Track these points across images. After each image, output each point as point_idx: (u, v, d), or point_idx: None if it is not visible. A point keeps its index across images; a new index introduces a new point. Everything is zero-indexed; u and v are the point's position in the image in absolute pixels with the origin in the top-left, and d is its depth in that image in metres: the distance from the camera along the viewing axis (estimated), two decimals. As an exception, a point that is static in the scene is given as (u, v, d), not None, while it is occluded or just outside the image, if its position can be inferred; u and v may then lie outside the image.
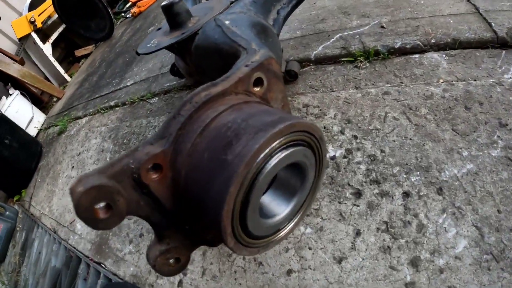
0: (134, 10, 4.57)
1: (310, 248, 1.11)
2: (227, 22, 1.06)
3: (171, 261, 0.71)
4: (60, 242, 2.05)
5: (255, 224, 0.53)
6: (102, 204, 0.52)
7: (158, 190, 0.58)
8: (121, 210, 0.55)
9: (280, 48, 1.30)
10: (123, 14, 5.18)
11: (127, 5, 5.22)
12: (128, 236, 1.63)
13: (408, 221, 1.03)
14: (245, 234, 0.53)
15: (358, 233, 1.07)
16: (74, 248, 1.89)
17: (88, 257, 1.74)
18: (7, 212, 2.83)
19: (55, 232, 2.17)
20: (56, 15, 4.47)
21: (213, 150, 0.49)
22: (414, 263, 0.96)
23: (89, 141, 2.63)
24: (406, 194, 1.08)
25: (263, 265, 1.15)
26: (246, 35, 0.90)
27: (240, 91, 0.65)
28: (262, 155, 0.46)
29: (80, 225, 1.99)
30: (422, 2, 1.64)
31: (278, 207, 0.62)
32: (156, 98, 2.36)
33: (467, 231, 0.96)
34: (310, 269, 1.07)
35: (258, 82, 0.69)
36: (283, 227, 0.64)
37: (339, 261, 1.05)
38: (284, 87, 0.76)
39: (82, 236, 1.91)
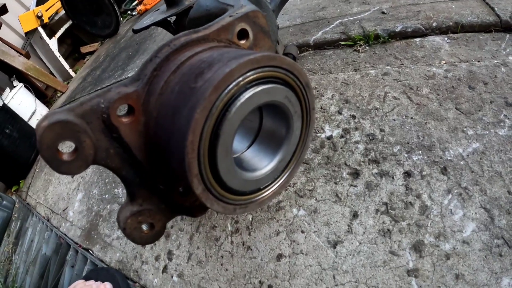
0: (140, 7, 4.58)
1: (302, 232, 1.05)
2: (220, -8, 1.01)
3: (143, 226, 0.66)
4: (52, 230, 2.01)
5: (228, 172, 0.48)
6: (68, 147, 0.48)
7: (129, 135, 0.53)
8: (86, 154, 0.50)
9: (276, 24, 1.26)
10: (129, 12, 5.20)
11: (134, 3, 5.25)
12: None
13: (410, 202, 0.97)
14: (217, 182, 0.47)
15: (355, 215, 1.01)
16: (65, 235, 1.85)
17: (77, 244, 1.70)
18: (4, 202, 2.80)
19: (48, 220, 2.13)
20: (63, 11, 4.50)
21: (185, 82, 0.45)
22: (417, 248, 0.90)
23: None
24: (407, 174, 1.02)
25: (251, 249, 1.09)
26: (237, -1, 0.86)
27: (223, 40, 0.60)
28: (234, 83, 0.41)
29: (72, 212, 1.95)
30: (423, -11, 1.61)
31: (260, 162, 0.57)
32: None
33: (475, 213, 0.89)
34: (302, 254, 1.01)
35: (243, 35, 0.65)
36: (266, 187, 0.58)
37: (334, 245, 0.98)
38: (272, 45, 0.71)
39: (73, 223, 1.86)
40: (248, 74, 0.42)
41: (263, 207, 1.15)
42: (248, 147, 0.59)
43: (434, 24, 1.38)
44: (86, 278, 1.33)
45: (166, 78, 0.49)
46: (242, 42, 0.63)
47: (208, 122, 0.40)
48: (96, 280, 1.27)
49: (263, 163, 0.56)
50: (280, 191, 0.62)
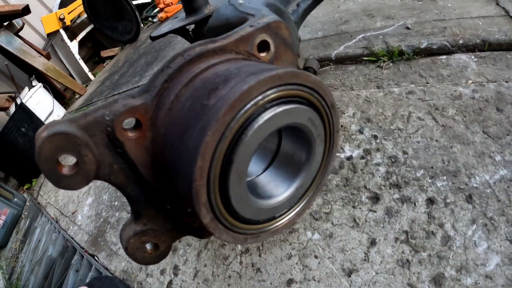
0: (161, 15, 4.62)
1: (316, 257, 0.98)
2: (240, 1, 0.98)
3: (147, 246, 0.61)
4: (60, 232, 2.00)
5: (241, 200, 0.42)
6: (69, 160, 0.44)
7: (135, 151, 0.49)
8: (88, 169, 0.46)
9: (297, 37, 1.21)
10: (150, 19, 5.26)
11: (155, 10, 5.31)
12: (125, 230, 1.54)
13: (432, 231, 0.90)
14: (228, 211, 0.42)
15: (373, 243, 0.94)
16: (72, 238, 1.83)
17: (83, 249, 1.67)
18: (15, 199, 2.82)
19: (57, 222, 2.12)
20: (85, 15, 4.59)
21: (196, 97, 0.40)
22: (437, 281, 0.83)
23: (102, 135, 2.61)
24: (430, 201, 0.95)
25: (261, 271, 1.03)
26: (257, 7, 0.82)
27: (242, 52, 0.56)
28: (252, 102, 0.36)
29: (80, 216, 1.93)
30: (449, 5, 1.57)
31: (276, 188, 0.51)
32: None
33: (500, 245, 0.82)
34: (314, 280, 0.94)
35: (264, 46, 0.60)
36: (281, 215, 0.53)
37: (349, 273, 0.91)
38: (295, 58, 0.66)
39: (81, 227, 1.84)
40: (269, 92, 0.37)
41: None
42: (264, 171, 0.54)
43: (460, 42, 1.32)
44: (90, 286, 1.29)
45: (177, 91, 0.45)
46: (263, 54, 0.58)
47: (220, 146, 0.35)
48: (98, 290, 1.24)
49: (279, 190, 0.51)
50: (296, 220, 0.56)
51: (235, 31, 0.55)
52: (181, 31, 1.25)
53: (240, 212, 0.43)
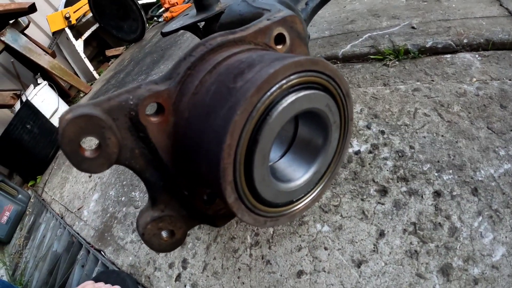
0: (167, 15, 4.64)
1: (326, 248, 0.99)
2: (253, -3, 0.99)
3: (163, 233, 0.62)
4: (65, 228, 2.01)
5: (263, 181, 0.44)
6: (90, 143, 0.45)
7: (157, 136, 0.50)
8: (110, 152, 0.47)
9: (307, 34, 1.23)
10: (155, 18, 5.29)
11: (160, 10, 5.34)
12: (132, 225, 1.55)
13: (439, 223, 0.91)
14: (250, 192, 0.44)
15: (381, 234, 0.95)
16: (78, 234, 1.84)
17: (89, 244, 1.68)
18: (20, 196, 2.83)
19: (62, 218, 2.13)
20: (90, 14, 4.61)
21: (222, 81, 0.41)
22: (445, 271, 0.84)
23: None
24: (437, 194, 0.97)
25: (271, 263, 1.04)
26: (271, 3, 0.84)
27: (260, 43, 0.57)
28: (277, 85, 0.38)
29: (86, 212, 1.94)
30: (454, 5, 1.59)
31: (294, 172, 0.53)
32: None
33: (506, 237, 0.84)
34: (324, 271, 0.95)
35: (280, 39, 0.62)
36: (298, 200, 0.54)
37: (358, 264, 0.93)
38: (308, 52, 0.68)
39: (87, 222, 1.85)
40: (292, 77, 0.39)
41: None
42: (282, 156, 0.55)
43: (465, 41, 1.35)
44: (96, 280, 1.30)
45: (201, 77, 0.46)
46: (279, 47, 0.60)
47: (247, 126, 0.36)
48: (106, 283, 1.24)
49: (297, 174, 0.52)
50: (312, 205, 0.58)
51: (253, 24, 0.57)
52: (192, 28, 1.27)
53: (262, 194, 0.45)
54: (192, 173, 0.51)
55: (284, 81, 0.38)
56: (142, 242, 1.40)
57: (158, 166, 0.54)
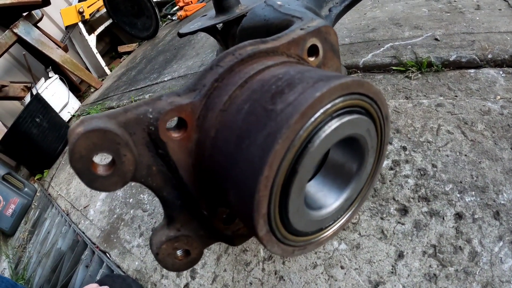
0: (181, 13, 4.64)
1: (342, 267, 0.95)
2: (278, 3, 0.95)
3: (178, 252, 0.58)
4: (70, 225, 1.99)
5: (297, 211, 0.40)
6: (104, 158, 0.41)
7: (177, 153, 0.46)
8: (125, 170, 0.43)
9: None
10: (169, 17, 5.28)
11: (174, 8, 5.33)
12: (139, 229, 1.52)
13: (460, 246, 0.87)
14: (282, 223, 0.39)
15: (400, 256, 0.91)
16: (83, 233, 1.81)
17: (95, 244, 1.65)
18: (26, 189, 2.82)
19: (67, 215, 2.11)
20: (104, 10, 4.61)
21: (257, 100, 0.37)
22: (464, 296, 0.80)
23: (118, 131, 2.61)
24: (458, 216, 0.92)
25: (284, 280, 1.00)
26: (301, 10, 0.79)
27: (293, 55, 0.53)
28: (322, 110, 0.33)
29: (93, 211, 1.91)
30: (478, 18, 1.53)
31: (325, 198, 0.49)
32: (191, 94, 2.29)
33: (526, 263, 0.79)
34: (338, 292, 0.91)
35: (313, 51, 0.57)
36: (328, 227, 0.50)
37: (375, 286, 0.89)
38: (341, 65, 0.64)
39: (93, 222, 1.83)
40: (337, 101, 0.35)
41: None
42: (311, 178, 0.51)
43: (489, 56, 1.29)
44: (101, 283, 1.27)
45: (231, 92, 0.42)
46: (311, 59, 0.56)
47: (287, 155, 0.32)
48: (111, 287, 1.21)
49: (329, 200, 0.48)
50: (339, 231, 0.53)
51: (286, 33, 0.53)
52: (210, 30, 1.23)
53: (294, 224, 0.41)
54: (216, 196, 0.47)
55: (329, 105, 0.34)
56: (150, 248, 1.37)
57: (177, 185, 0.50)
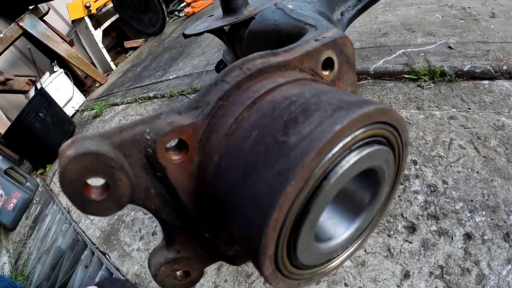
0: (188, 10, 4.60)
1: (346, 285, 0.92)
2: (290, 6, 0.91)
3: (178, 273, 0.55)
4: (71, 223, 1.97)
5: (306, 249, 0.36)
6: (98, 180, 0.38)
7: (177, 177, 0.43)
8: (121, 194, 0.39)
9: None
10: (176, 13, 5.25)
11: (182, 5, 5.29)
12: (139, 232, 1.50)
13: (468, 268, 0.84)
14: (289, 260, 0.36)
15: (406, 275, 0.88)
16: (83, 232, 1.79)
17: (95, 245, 1.63)
18: (28, 183, 2.82)
19: (68, 212, 2.10)
20: (111, 5, 4.59)
21: (267, 127, 0.33)
22: (469, 321, 0.77)
23: (122, 128, 2.60)
24: (468, 236, 0.89)
25: (285, 294, 0.96)
26: (314, 16, 0.75)
27: (306, 69, 0.49)
28: (341, 144, 0.30)
29: (93, 210, 1.89)
30: (492, 27, 1.48)
31: (334, 229, 0.45)
32: (197, 95, 2.27)
33: (533, 289, 0.76)
34: (341, 310, 0.88)
35: (328, 64, 0.53)
36: (336, 257, 0.46)
37: (379, 307, 0.85)
38: (356, 79, 0.60)
39: (93, 221, 1.81)
40: (357, 132, 0.31)
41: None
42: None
43: (504, 68, 1.24)
44: (100, 286, 1.25)
45: (237, 114, 0.38)
46: (325, 73, 0.51)
47: (300, 196, 0.29)
48: (109, 291, 1.19)
49: (338, 231, 0.45)
50: (347, 260, 0.50)
51: (299, 45, 0.49)
52: (216, 31, 1.19)
53: (302, 260, 0.37)
54: (218, 220, 0.44)
55: (349, 138, 0.30)
56: (150, 252, 1.34)
57: (176, 207, 0.46)
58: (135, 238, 1.48)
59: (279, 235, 0.30)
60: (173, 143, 0.45)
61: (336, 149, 0.29)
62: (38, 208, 2.57)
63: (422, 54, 1.43)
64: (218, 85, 0.44)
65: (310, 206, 0.31)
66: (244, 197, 0.32)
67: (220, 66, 1.77)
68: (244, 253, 0.49)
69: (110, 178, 0.38)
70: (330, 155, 0.29)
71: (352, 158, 0.32)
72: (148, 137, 0.40)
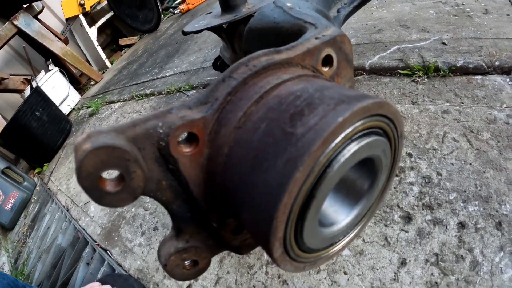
0: (183, 7, 4.59)
1: (345, 273, 0.95)
2: (288, 4, 0.94)
3: (186, 263, 0.58)
4: (71, 221, 1.98)
5: (312, 232, 0.39)
6: (112, 173, 0.40)
7: (188, 169, 0.45)
8: (135, 186, 0.42)
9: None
10: (171, 10, 5.24)
11: (177, 1, 5.28)
12: (141, 228, 1.52)
13: (462, 255, 0.88)
14: (296, 243, 0.39)
15: (403, 263, 0.91)
16: (84, 230, 1.81)
17: (96, 242, 1.65)
18: (25, 183, 2.82)
19: (67, 210, 2.11)
20: (105, 2, 4.57)
21: (275, 120, 0.36)
22: (463, 305, 0.80)
23: (119, 125, 2.60)
24: (461, 225, 0.93)
25: (287, 284, 1.00)
26: (313, 15, 0.78)
27: (307, 66, 0.52)
28: (343, 134, 0.33)
29: (93, 207, 1.91)
30: (485, 23, 1.51)
31: (336, 215, 0.48)
32: (194, 91, 2.29)
33: (525, 274, 0.80)
34: (342, 297, 0.91)
35: (327, 61, 0.56)
36: (337, 242, 0.50)
37: (378, 292, 0.89)
38: (353, 75, 0.63)
39: (94, 219, 1.82)
40: (357, 124, 0.34)
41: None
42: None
43: (496, 63, 1.27)
44: (102, 282, 1.27)
45: (246, 108, 0.41)
46: (325, 69, 0.55)
47: (307, 181, 0.32)
48: (112, 286, 1.21)
49: (340, 217, 0.48)
50: (348, 245, 0.53)
51: (300, 43, 0.52)
52: (215, 29, 1.22)
53: (308, 243, 0.40)
54: (226, 210, 0.47)
55: (350, 129, 0.33)
56: (151, 247, 1.37)
57: (186, 199, 0.49)
58: (136, 234, 1.50)
59: (287, 219, 0.33)
60: (183, 136, 0.47)
61: (339, 138, 0.32)
62: (37, 207, 2.57)
63: (417, 50, 1.46)
64: (226, 82, 0.46)
65: (316, 191, 0.33)
66: (255, 185, 0.35)
67: (217, 62, 1.79)
68: (254, 238, 0.51)
69: (125, 171, 0.41)
70: (333, 144, 0.32)
71: (353, 147, 0.35)
72: (161, 131, 0.42)
